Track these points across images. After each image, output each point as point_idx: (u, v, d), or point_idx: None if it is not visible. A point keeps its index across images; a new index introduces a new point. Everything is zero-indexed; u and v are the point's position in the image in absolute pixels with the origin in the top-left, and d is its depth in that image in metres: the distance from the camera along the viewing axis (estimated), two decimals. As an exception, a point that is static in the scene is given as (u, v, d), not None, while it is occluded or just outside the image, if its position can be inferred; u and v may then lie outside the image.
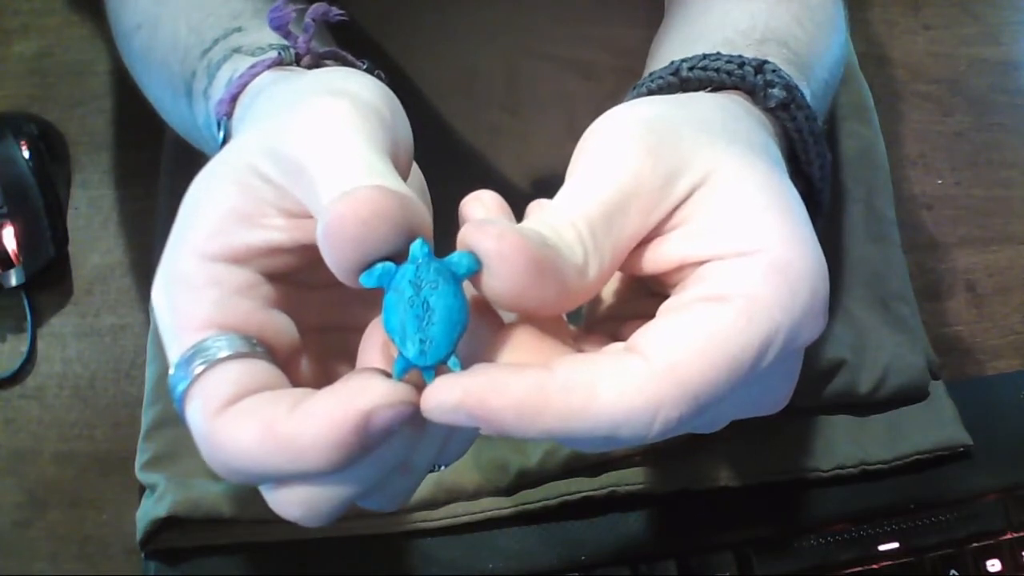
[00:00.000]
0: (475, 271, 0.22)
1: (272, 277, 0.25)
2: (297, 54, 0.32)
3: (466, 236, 0.22)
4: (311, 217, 0.24)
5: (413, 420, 0.22)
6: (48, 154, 0.51)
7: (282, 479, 0.22)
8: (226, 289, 0.23)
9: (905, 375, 0.47)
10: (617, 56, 0.52)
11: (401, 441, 0.23)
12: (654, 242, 0.25)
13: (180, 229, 0.24)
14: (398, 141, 0.26)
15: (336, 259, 0.22)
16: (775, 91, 0.31)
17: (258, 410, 0.22)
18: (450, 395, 0.21)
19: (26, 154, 0.50)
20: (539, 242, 0.22)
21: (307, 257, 0.25)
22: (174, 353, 0.23)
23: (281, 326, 0.24)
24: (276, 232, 0.24)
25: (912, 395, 0.48)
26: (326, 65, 0.33)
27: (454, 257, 0.22)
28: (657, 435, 0.22)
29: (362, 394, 0.21)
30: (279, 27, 0.31)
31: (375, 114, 0.25)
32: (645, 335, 0.22)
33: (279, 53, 0.32)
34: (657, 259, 0.25)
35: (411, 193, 0.23)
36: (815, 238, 0.24)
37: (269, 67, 0.31)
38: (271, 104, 0.28)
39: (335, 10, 0.32)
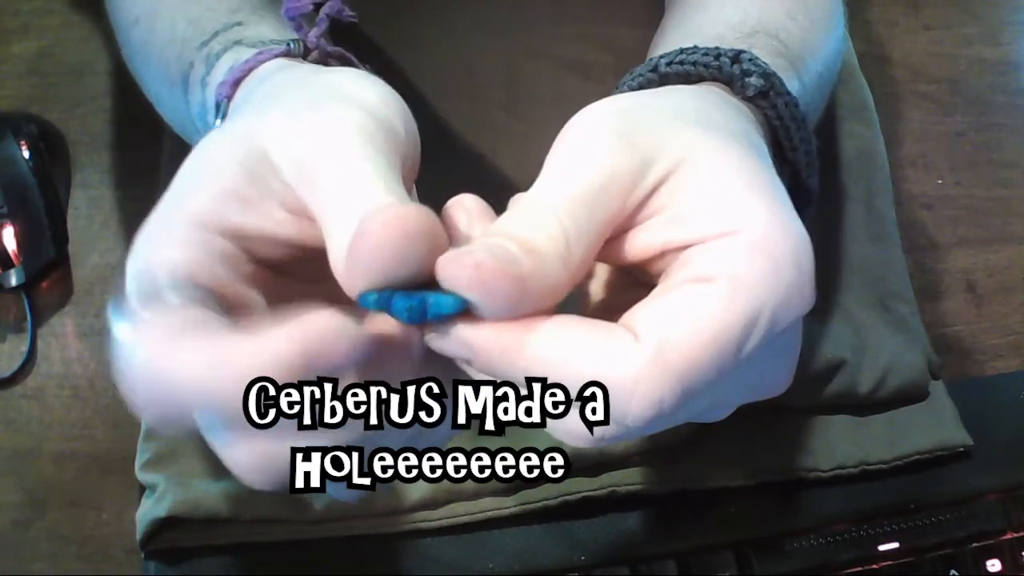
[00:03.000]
0: (462, 307, 0.22)
1: (253, 259, 0.25)
2: (306, 48, 0.33)
3: (443, 273, 0.22)
4: (310, 218, 0.24)
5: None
6: (48, 154, 0.51)
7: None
8: (211, 253, 0.23)
9: (905, 375, 0.47)
10: (617, 56, 0.52)
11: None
12: (635, 230, 0.25)
13: (176, 195, 0.24)
14: (407, 158, 0.26)
15: (366, 268, 0.22)
16: (752, 80, 0.31)
17: (220, 330, 0.22)
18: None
19: (26, 154, 0.50)
20: (513, 260, 0.22)
21: (291, 252, 0.25)
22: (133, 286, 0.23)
23: (255, 303, 0.24)
24: (273, 224, 0.24)
25: (912, 395, 0.48)
26: (331, 63, 0.34)
27: (442, 300, 0.22)
28: (639, 416, 0.22)
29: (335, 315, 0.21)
30: (294, 17, 0.31)
31: (392, 132, 0.26)
32: (634, 315, 0.23)
33: (288, 45, 0.32)
34: (640, 247, 0.25)
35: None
36: (796, 216, 0.24)
37: (276, 56, 0.32)
38: (287, 93, 0.28)
39: (348, 11, 0.32)
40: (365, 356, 0.22)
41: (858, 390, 0.46)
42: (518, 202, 0.24)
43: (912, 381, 0.47)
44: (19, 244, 0.48)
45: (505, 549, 0.44)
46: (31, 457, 0.46)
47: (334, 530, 0.43)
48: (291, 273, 0.26)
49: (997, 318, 0.53)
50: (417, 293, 0.22)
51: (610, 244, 0.25)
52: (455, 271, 0.22)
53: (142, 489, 0.43)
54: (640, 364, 0.21)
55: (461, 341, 0.22)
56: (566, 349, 0.22)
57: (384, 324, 0.23)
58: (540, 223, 0.23)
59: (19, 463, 0.46)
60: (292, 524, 0.43)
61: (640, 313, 0.23)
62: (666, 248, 0.24)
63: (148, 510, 0.42)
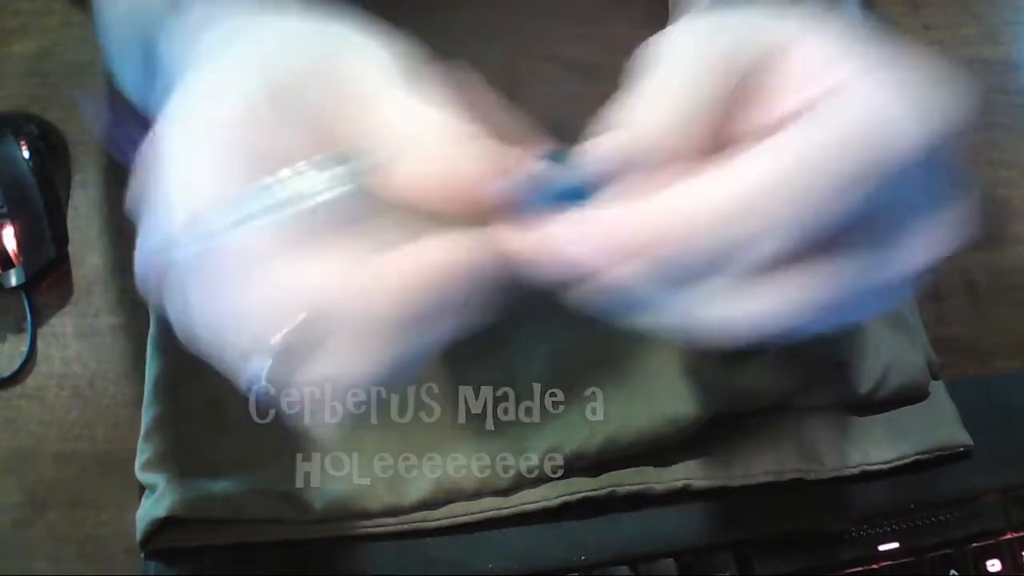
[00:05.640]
0: (585, 197, 0.23)
1: None
2: None
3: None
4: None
5: None
6: (48, 154, 0.51)
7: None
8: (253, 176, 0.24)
9: (905, 375, 0.47)
10: (617, 56, 0.52)
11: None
12: (735, 111, 0.25)
13: (202, 122, 0.25)
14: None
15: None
16: None
17: None
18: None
19: (26, 154, 0.50)
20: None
21: None
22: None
23: None
24: (304, 152, 0.24)
25: (912, 395, 0.48)
26: None
27: (567, 188, 0.24)
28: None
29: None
30: None
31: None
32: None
33: None
34: (742, 126, 0.25)
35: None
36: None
37: None
38: (299, 26, 0.28)
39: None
40: None
41: (858, 390, 0.46)
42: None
43: (912, 381, 0.47)
44: (19, 244, 0.48)
45: (505, 549, 0.44)
46: (31, 457, 0.46)
47: (334, 530, 0.43)
48: None
49: (997, 318, 0.53)
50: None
51: (710, 130, 0.25)
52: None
53: (142, 489, 0.43)
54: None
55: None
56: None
57: None
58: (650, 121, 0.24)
59: (19, 463, 0.46)
60: (292, 524, 0.43)
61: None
62: (781, 117, 0.24)
63: (148, 510, 0.42)
